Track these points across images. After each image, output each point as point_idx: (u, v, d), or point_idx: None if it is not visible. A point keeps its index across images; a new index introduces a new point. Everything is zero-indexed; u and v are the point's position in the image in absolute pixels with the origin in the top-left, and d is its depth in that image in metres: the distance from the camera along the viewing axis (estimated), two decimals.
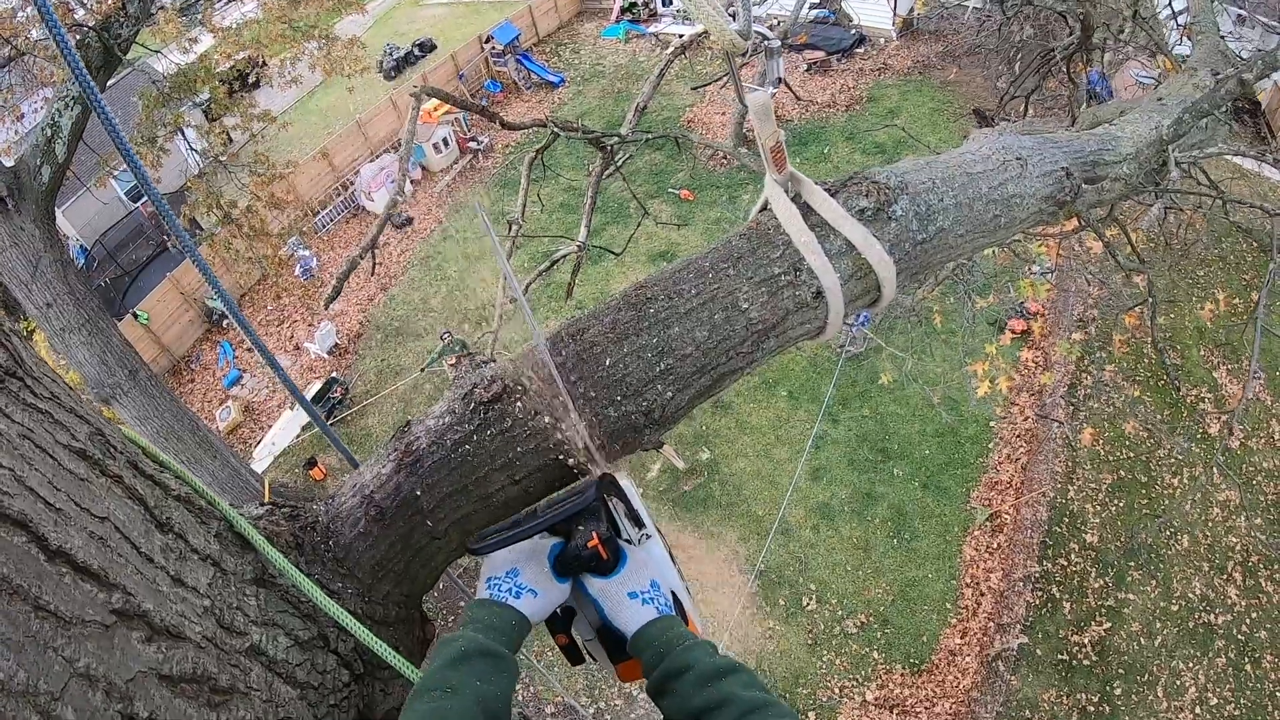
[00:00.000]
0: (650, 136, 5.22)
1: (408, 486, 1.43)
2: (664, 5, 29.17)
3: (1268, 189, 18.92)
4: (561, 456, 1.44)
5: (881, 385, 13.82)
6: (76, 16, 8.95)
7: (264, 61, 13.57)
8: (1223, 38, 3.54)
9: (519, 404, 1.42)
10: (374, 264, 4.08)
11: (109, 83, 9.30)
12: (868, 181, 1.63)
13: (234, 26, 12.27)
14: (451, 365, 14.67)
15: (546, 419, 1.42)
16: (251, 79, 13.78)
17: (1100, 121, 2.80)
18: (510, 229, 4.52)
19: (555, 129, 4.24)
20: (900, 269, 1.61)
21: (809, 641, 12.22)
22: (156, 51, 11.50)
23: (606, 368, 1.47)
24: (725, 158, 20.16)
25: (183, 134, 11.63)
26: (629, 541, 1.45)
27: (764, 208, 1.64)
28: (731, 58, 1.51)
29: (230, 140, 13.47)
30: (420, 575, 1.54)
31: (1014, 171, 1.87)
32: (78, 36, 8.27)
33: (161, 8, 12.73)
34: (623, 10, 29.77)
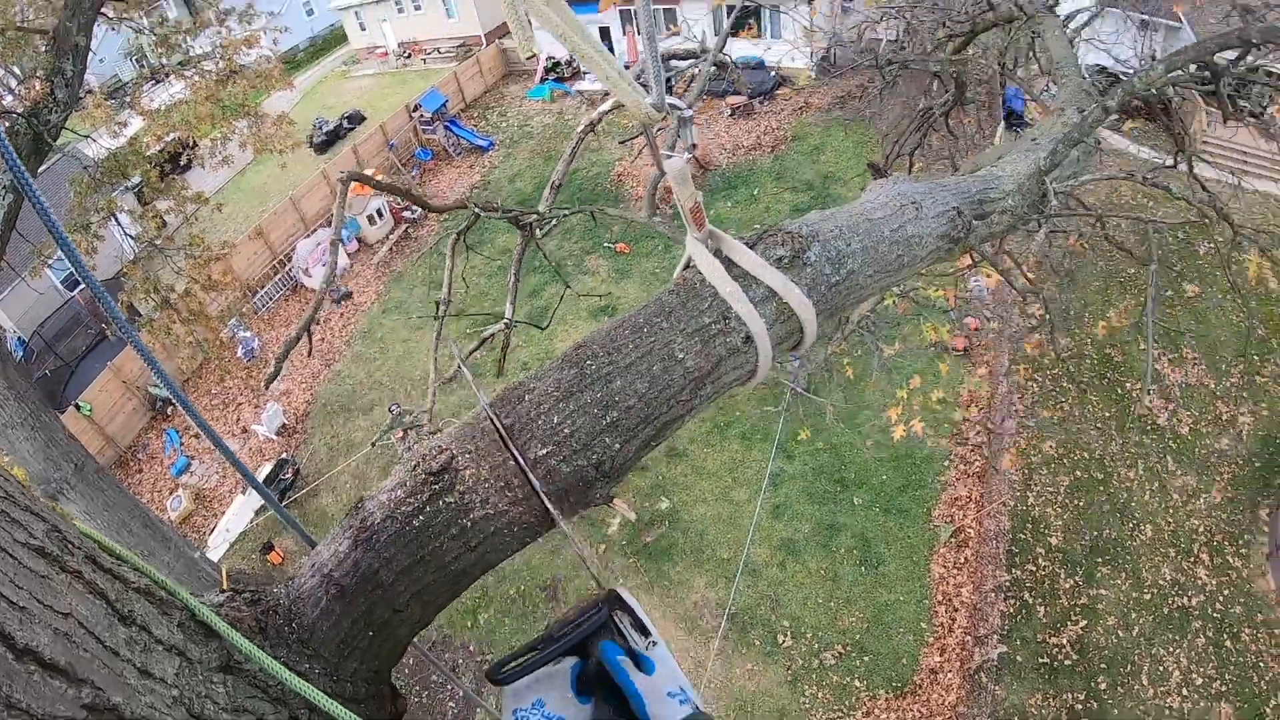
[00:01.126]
0: (567, 213, 5.42)
1: (366, 562, 1.45)
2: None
3: (1183, 183, 19.76)
4: (515, 520, 1.48)
5: (833, 417, 14.02)
6: (5, 103, 8.89)
7: (194, 142, 13.54)
8: (1084, 77, 3.82)
9: (468, 472, 1.46)
10: (310, 344, 4.09)
11: (40, 169, 9.20)
12: (782, 232, 1.75)
13: (163, 108, 12.26)
14: (400, 439, 14.52)
15: (498, 483, 1.46)
16: (183, 160, 13.73)
17: (981, 166, 3.01)
18: (438, 308, 4.61)
19: (476, 210, 4.45)
20: (819, 310, 1.72)
21: (789, 678, 12.18)
22: (86, 136, 11.41)
23: (554, 425, 1.52)
24: (658, 207, 20.55)
25: (116, 219, 11.51)
26: (638, 651, 1.47)
27: (688, 265, 1.73)
28: (648, 128, 1.57)
29: (164, 224, 13.35)
30: (386, 650, 1.56)
31: (911, 215, 2.05)
32: (6, 123, 8.20)
33: (90, 92, 12.69)
34: (547, 70, 30.29)
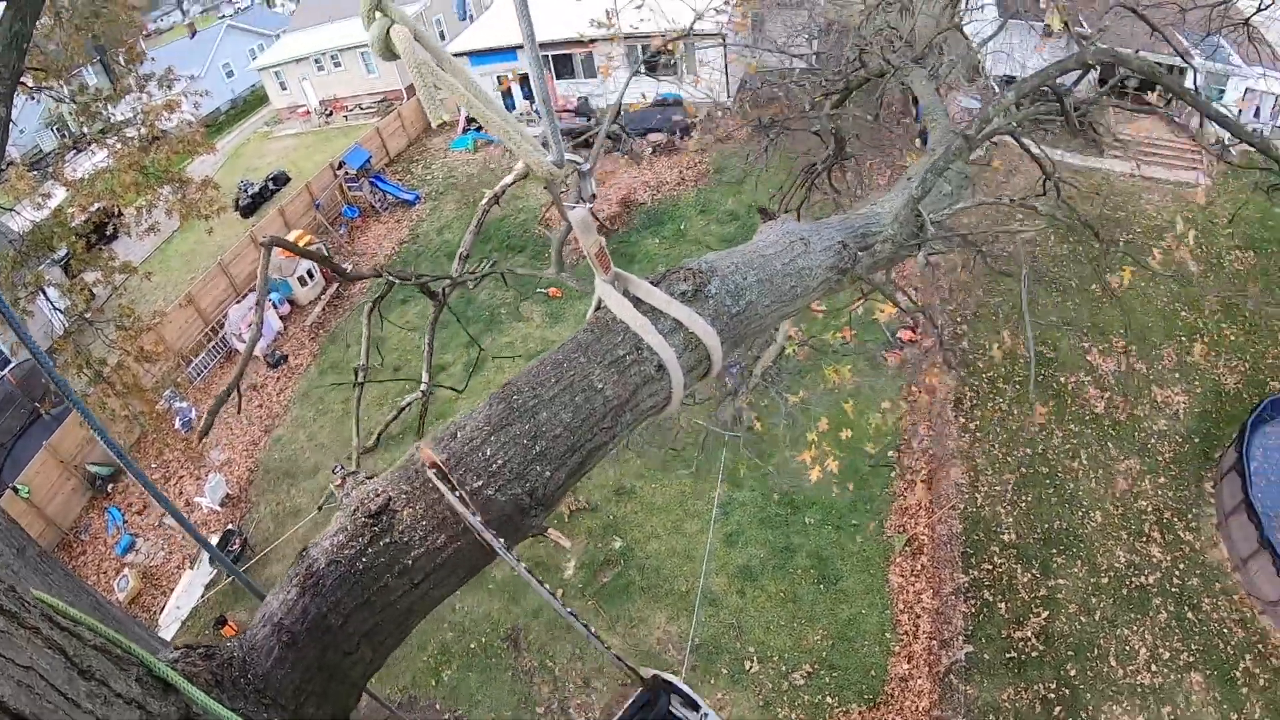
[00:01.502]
0: (477, 278, 5.67)
1: (314, 608, 1.51)
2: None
3: (1099, 180, 20.69)
4: (455, 555, 1.56)
5: (776, 437, 14.19)
6: None
7: (119, 211, 13.33)
8: (950, 118, 4.12)
9: (405, 512, 1.54)
10: (240, 400, 4.16)
11: None
12: (684, 270, 1.94)
13: (86, 178, 12.07)
14: (338, 486, 14.28)
15: (435, 520, 1.54)
16: (109, 230, 13.50)
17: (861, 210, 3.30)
18: (357, 375, 4.77)
19: (390, 277, 4.61)
20: (723, 338, 1.90)
21: (761, 703, 12.19)
22: (9, 209, 11.19)
23: (487, 458, 1.62)
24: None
25: (44, 294, 11.27)
26: None
27: (598, 306, 1.89)
28: (552, 185, 1.69)
29: (93, 296, 13.09)
30: (341, 694, 1.61)
31: (800, 250, 2.28)
32: None
33: (11, 164, 12.43)
34: (469, 121, 30.42)
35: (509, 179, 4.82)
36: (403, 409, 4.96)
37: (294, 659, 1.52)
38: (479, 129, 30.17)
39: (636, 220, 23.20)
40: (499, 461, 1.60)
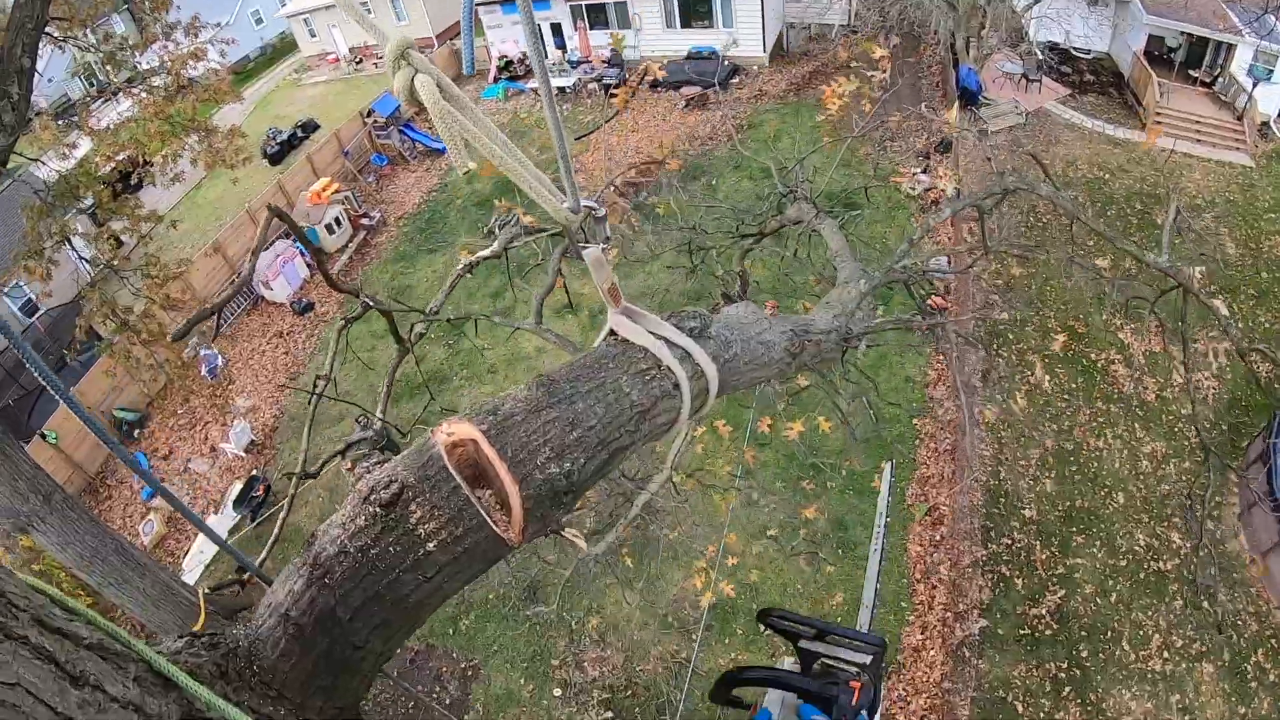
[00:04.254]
0: (449, 319, 6.03)
1: (322, 600, 1.45)
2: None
3: (1140, 153, 20.16)
4: (471, 549, 1.49)
5: (802, 401, 14.08)
6: None
7: (146, 160, 13.29)
8: (859, 261, 4.71)
9: (420, 502, 1.47)
10: (219, 324, 4.22)
11: None
12: (692, 311, 2.12)
13: (111, 127, 12.01)
14: (349, 470, 14.33)
15: (451, 512, 1.47)
16: (134, 179, 13.45)
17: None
18: (316, 384, 4.93)
19: (366, 301, 4.90)
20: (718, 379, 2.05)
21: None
22: (35, 160, 11.17)
23: (528, 435, 1.58)
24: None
25: (69, 243, 11.29)
26: None
27: (606, 335, 2.00)
28: (568, 228, 1.83)
29: (120, 244, 13.11)
30: (351, 685, 1.56)
31: (766, 324, 2.58)
32: None
33: (39, 113, 12.40)
34: (500, 69, 30.09)
35: (485, 252, 5.15)
36: (350, 445, 5.06)
37: (301, 651, 1.47)
38: (510, 78, 29.87)
39: (665, 175, 22.93)
40: (539, 440, 1.59)
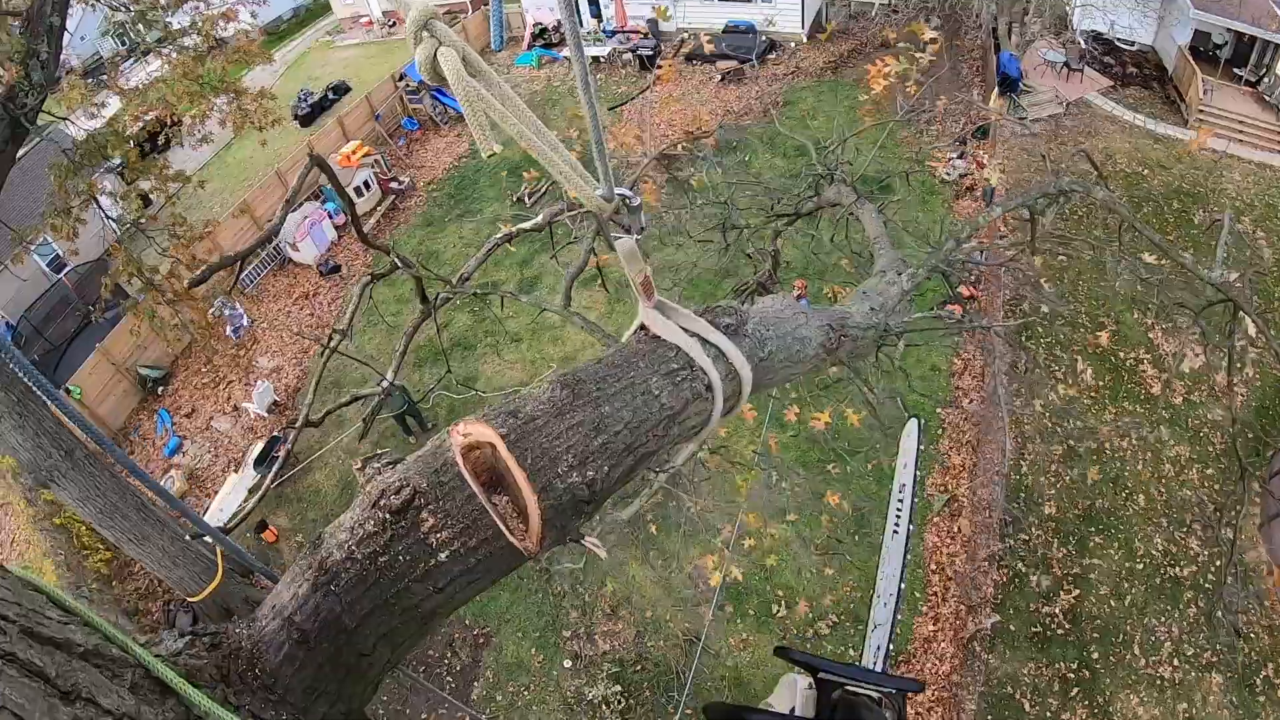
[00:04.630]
0: (474, 292, 5.90)
1: (327, 606, 1.40)
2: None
3: (1180, 150, 19.71)
4: (485, 559, 1.43)
5: (825, 385, 13.96)
6: None
7: (175, 120, 13.28)
8: (897, 248, 4.69)
9: (431, 509, 1.41)
10: (236, 277, 4.24)
11: (19, 154, 9.04)
12: (726, 306, 2.03)
13: (140, 87, 11.99)
14: (358, 470, 14.36)
15: (464, 521, 1.41)
16: (162, 140, 13.45)
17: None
18: (331, 338, 4.89)
19: (396, 261, 4.82)
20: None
21: None
22: (63, 119, 11.18)
23: (550, 440, 1.50)
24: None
25: (96, 202, 11.32)
26: None
27: (636, 330, 1.92)
28: (599, 216, 1.73)
29: (148, 203, 13.15)
30: (356, 692, 1.51)
31: (802, 320, 2.45)
32: None
33: (69, 71, 12.40)
34: (534, 37, 29.85)
35: (527, 225, 5.07)
36: (357, 398, 5.05)
37: (305, 657, 1.43)
38: (544, 45, 29.64)
39: (699, 149, 22.73)
40: (561, 446, 1.51)
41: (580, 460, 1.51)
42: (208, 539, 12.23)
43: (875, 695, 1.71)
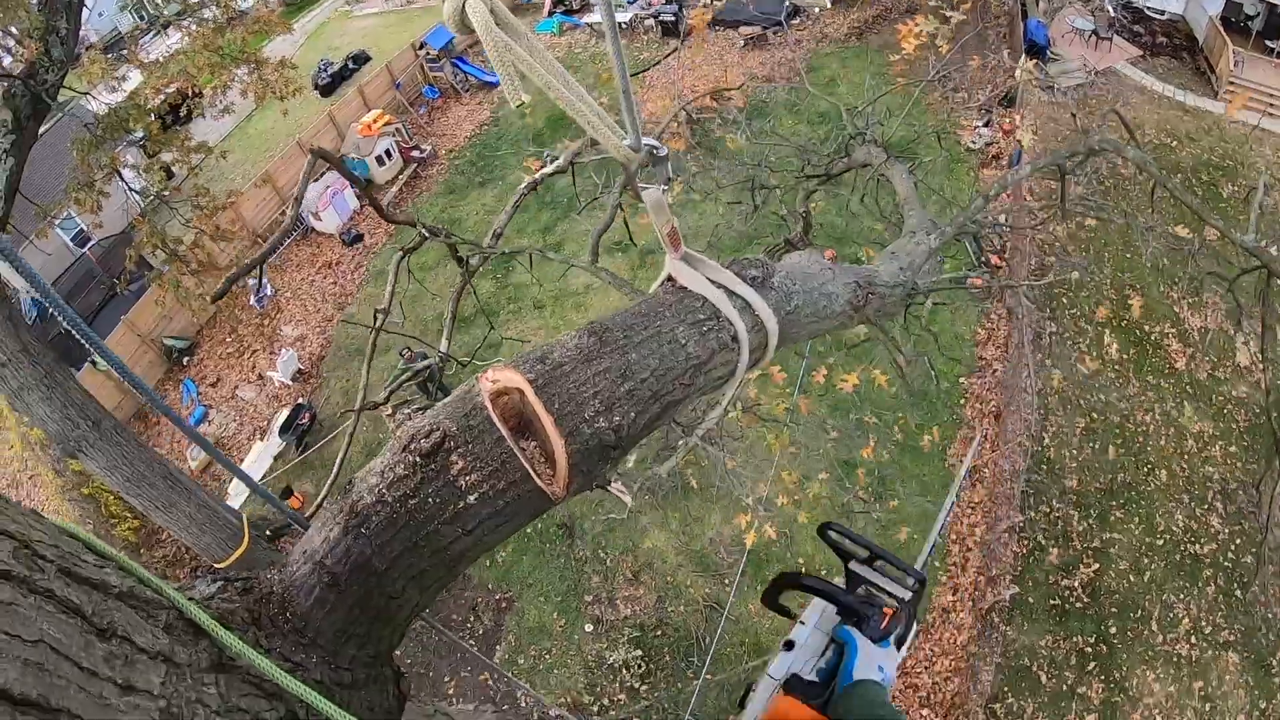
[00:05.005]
0: (507, 251, 5.76)
1: (358, 549, 1.40)
2: None
3: (1210, 122, 19.31)
4: (514, 502, 1.43)
5: (849, 353, 13.88)
6: (4, 65, 8.75)
7: (196, 92, 13.30)
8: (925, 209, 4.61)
9: (461, 453, 1.41)
10: (262, 276, 4.22)
11: (41, 130, 9.08)
12: (752, 259, 2.02)
13: (160, 60, 12.01)
14: (389, 416, 14.43)
15: (493, 464, 1.41)
16: (184, 112, 13.49)
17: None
18: (376, 318, 4.89)
19: (423, 230, 4.75)
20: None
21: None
22: (85, 94, 11.23)
23: (577, 385, 1.51)
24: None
25: (119, 175, 11.39)
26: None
27: (664, 281, 1.91)
28: (627, 166, 1.77)
29: (170, 175, 13.22)
30: (385, 635, 1.52)
31: (829, 276, 2.43)
32: (4, 86, 8.07)
33: (89, 47, 12.45)
34: (555, 4, 29.57)
35: (549, 169, 5.00)
36: (411, 372, 5.04)
37: (335, 600, 1.43)
38: (565, 12, 29.38)
39: (724, 112, 22.51)
40: (588, 392, 1.52)
41: (607, 406, 1.52)
42: (233, 505, 12.44)
43: (892, 601, 1.77)
